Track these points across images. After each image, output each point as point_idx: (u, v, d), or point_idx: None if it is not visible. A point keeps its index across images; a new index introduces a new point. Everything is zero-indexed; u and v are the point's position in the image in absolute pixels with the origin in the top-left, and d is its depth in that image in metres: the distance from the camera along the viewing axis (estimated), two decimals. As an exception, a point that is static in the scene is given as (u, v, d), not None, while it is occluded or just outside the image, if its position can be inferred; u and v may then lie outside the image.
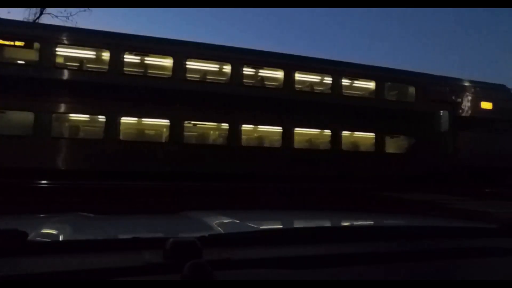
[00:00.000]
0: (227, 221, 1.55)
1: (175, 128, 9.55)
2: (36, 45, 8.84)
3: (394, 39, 75.88)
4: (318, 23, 74.82)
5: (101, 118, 9.20)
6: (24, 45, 8.75)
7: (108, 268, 0.82)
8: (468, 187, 11.39)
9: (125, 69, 9.50)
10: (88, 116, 9.49)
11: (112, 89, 9.03)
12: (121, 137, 9.19)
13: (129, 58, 9.62)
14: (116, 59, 9.26)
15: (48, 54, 8.81)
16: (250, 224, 1.38)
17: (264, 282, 0.78)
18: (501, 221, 1.48)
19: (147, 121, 9.93)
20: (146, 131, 10.21)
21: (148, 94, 9.21)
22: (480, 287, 0.85)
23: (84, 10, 20.87)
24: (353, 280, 0.84)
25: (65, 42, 9.18)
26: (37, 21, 18.56)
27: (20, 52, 8.96)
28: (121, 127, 9.17)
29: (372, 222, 1.84)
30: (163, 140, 9.97)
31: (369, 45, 73.54)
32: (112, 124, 9.05)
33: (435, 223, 1.85)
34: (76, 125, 9.58)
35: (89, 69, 9.66)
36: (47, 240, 1.12)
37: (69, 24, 18.14)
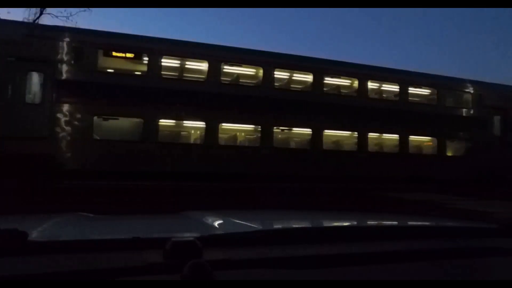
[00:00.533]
0: (227, 221, 1.55)
1: (266, 133, 10.68)
2: (144, 56, 9.88)
3: (394, 39, 75.92)
4: (318, 23, 74.84)
5: (201, 124, 10.14)
6: (134, 56, 9.80)
7: (108, 268, 0.82)
8: (468, 187, 11.46)
9: (222, 78, 10.49)
10: (189, 122, 10.43)
11: (211, 98, 9.95)
12: (220, 142, 10.25)
13: (225, 68, 10.64)
14: (214, 70, 10.24)
15: (154, 65, 9.80)
16: (250, 224, 1.38)
17: (264, 282, 0.78)
18: (501, 221, 1.48)
19: (241, 126, 10.98)
20: (240, 136, 11.28)
21: (241, 102, 10.26)
22: (480, 287, 0.85)
23: (84, 10, 20.88)
24: (353, 280, 0.84)
25: (169, 53, 10.14)
26: (37, 21, 18.56)
27: (130, 63, 9.97)
28: (220, 133, 10.20)
29: (372, 222, 1.84)
30: (257, 144, 10.90)
31: (369, 45, 73.58)
32: (212, 130, 10.03)
33: (435, 223, 1.85)
34: (179, 130, 10.58)
35: (190, 79, 10.62)
36: (47, 240, 1.12)
37: (69, 24, 18.16)
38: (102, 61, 9.59)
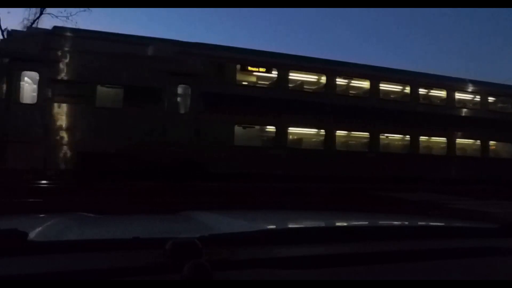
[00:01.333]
0: (227, 221, 1.55)
1: (374, 140, 12.18)
2: (274, 71, 11.31)
3: (393, 39, 75.89)
4: (318, 23, 74.84)
5: (322, 132, 11.78)
6: (265, 71, 11.27)
7: (108, 268, 0.82)
8: (468, 187, 11.50)
9: (336, 90, 12.00)
10: (311, 130, 11.99)
11: (330, 108, 11.43)
12: (337, 147, 11.79)
13: (338, 81, 12.17)
14: (331, 83, 11.86)
15: (282, 78, 11.30)
16: (250, 224, 1.38)
17: (264, 282, 0.78)
18: (501, 221, 1.48)
19: (353, 133, 12.52)
20: (352, 142, 12.71)
21: (352, 112, 11.66)
22: (480, 287, 0.85)
23: (84, 10, 20.96)
24: (353, 280, 0.84)
25: (295, 68, 11.60)
26: (37, 21, 18.57)
27: (262, 77, 11.53)
28: (337, 139, 11.79)
29: (372, 222, 1.84)
30: (366, 150, 12.33)
31: (368, 45, 73.59)
32: (330, 136, 11.64)
33: (435, 223, 1.85)
34: (302, 137, 12.05)
35: (311, 91, 12.15)
36: (47, 240, 1.12)
37: (69, 24, 18.18)
38: (240, 75, 11.05)
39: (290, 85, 11.58)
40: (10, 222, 1.39)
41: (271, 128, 11.20)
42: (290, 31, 78.24)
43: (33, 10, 19.03)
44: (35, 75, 9.35)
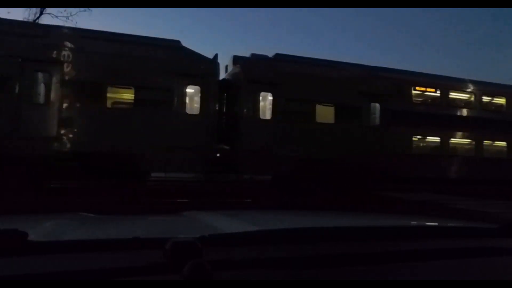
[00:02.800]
0: (227, 221, 1.55)
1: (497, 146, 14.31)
2: (437, 90, 13.47)
3: (393, 38, 75.91)
4: (317, 23, 74.86)
5: (472, 141, 13.81)
6: (433, 91, 13.50)
7: (108, 268, 0.82)
8: (468, 187, 11.53)
9: (482, 106, 14.07)
10: (465, 140, 13.87)
11: (478, 121, 13.53)
12: (484, 155, 13.75)
13: (484, 99, 14.25)
14: (478, 100, 13.92)
15: (444, 96, 13.43)
16: (250, 224, 1.38)
17: (264, 282, 0.78)
18: (501, 221, 1.48)
19: (497, 143, 14.42)
20: (495, 149, 14.47)
21: (494, 124, 13.76)
22: (480, 287, 0.85)
23: (84, 10, 20.95)
24: (353, 280, 0.84)
25: (452, 88, 13.69)
26: (37, 21, 18.56)
27: (430, 96, 13.71)
28: (483, 148, 13.83)
29: (372, 222, 1.84)
30: (503, 156, 14.25)
31: (368, 44, 73.59)
32: (478, 145, 13.72)
33: (435, 223, 1.85)
34: (460, 146, 13.95)
35: (464, 107, 14.01)
36: (47, 240, 1.12)
37: (69, 24, 18.20)
38: (414, 94, 13.13)
39: (450, 102, 13.74)
40: (10, 222, 1.39)
41: (436, 139, 13.37)
42: (289, 31, 78.24)
43: (33, 10, 19.05)
44: (269, 95, 11.19)
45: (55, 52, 9.22)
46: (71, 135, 9.15)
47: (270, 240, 1.07)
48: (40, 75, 9.20)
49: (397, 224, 1.71)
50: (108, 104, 9.67)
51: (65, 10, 20.08)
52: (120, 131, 9.40)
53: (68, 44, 9.36)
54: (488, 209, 7.47)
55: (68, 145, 9.11)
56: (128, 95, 9.90)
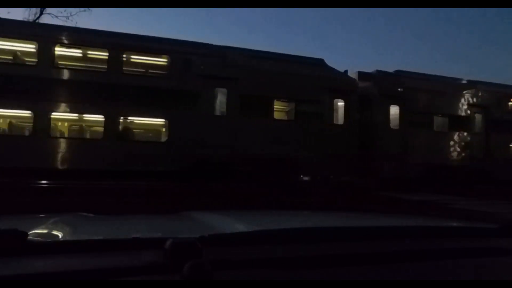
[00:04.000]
0: (227, 221, 1.55)
1: None
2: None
3: (393, 38, 75.95)
4: (318, 23, 74.91)
5: None
6: None
7: (108, 268, 0.82)
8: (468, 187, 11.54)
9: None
10: None
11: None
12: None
13: None
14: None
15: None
16: (250, 224, 1.38)
17: (264, 282, 0.78)
18: (501, 221, 1.48)
19: None
20: None
21: None
22: (480, 287, 0.85)
23: (84, 10, 20.97)
24: (353, 280, 0.84)
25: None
26: (37, 21, 18.56)
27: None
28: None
29: (372, 222, 1.84)
30: None
31: (368, 44, 73.63)
32: None
33: (435, 223, 1.85)
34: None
35: None
36: (47, 240, 1.12)
37: (69, 24, 18.19)
38: (510, 106, 14.30)
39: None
40: (10, 222, 1.39)
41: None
42: (289, 31, 78.32)
43: (33, 10, 19.06)
44: (397, 107, 12.61)
45: (231, 70, 10.55)
46: (244, 143, 10.52)
47: (270, 240, 1.07)
48: (219, 91, 10.63)
49: (397, 224, 1.71)
50: (275, 115, 11.34)
51: (65, 10, 20.12)
52: (283, 139, 10.92)
53: (241, 63, 10.81)
54: (488, 209, 7.47)
55: (244, 151, 10.45)
56: (289, 108, 11.61)
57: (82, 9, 19.80)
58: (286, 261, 0.93)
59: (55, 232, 1.30)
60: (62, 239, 1.18)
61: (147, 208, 5.87)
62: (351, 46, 72.22)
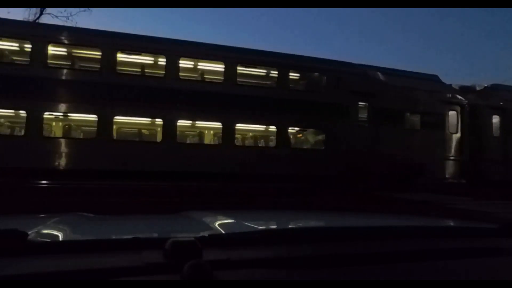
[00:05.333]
0: (227, 221, 1.55)
1: None
2: None
3: (394, 38, 75.96)
4: (319, 22, 74.92)
5: None
6: None
7: (108, 268, 0.82)
8: (468, 187, 11.56)
9: None
10: None
11: None
12: None
13: None
14: None
15: None
16: (250, 224, 1.38)
17: (264, 282, 0.78)
18: (501, 221, 1.48)
19: None
20: None
21: None
22: (480, 287, 0.85)
23: (84, 10, 20.98)
24: (353, 280, 0.84)
25: None
26: (37, 21, 18.57)
27: None
28: None
29: (372, 222, 1.84)
30: None
31: (370, 44, 73.65)
32: None
33: (435, 223, 1.85)
34: None
35: None
36: (47, 240, 1.12)
37: (69, 24, 18.21)
38: None
39: None
40: (10, 222, 1.39)
41: None
42: (290, 31, 78.31)
43: (33, 10, 19.05)
44: (497, 117, 13.97)
45: (370, 86, 12.11)
46: (381, 150, 11.87)
47: (270, 240, 1.07)
48: (362, 104, 12.16)
49: (397, 224, 1.71)
50: (406, 125, 12.63)
51: (65, 10, 20.13)
52: (411, 146, 12.32)
53: (377, 80, 12.38)
54: (488, 209, 7.46)
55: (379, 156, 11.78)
56: (415, 119, 12.84)
57: (82, 9, 19.80)
58: (286, 261, 0.93)
59: (55, 232, 1.30)
60: (62, 239, 1.18)
61: (146, 208, 5.87)
62: (351, 46, 72.28)
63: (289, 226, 1.72)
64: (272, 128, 11.37)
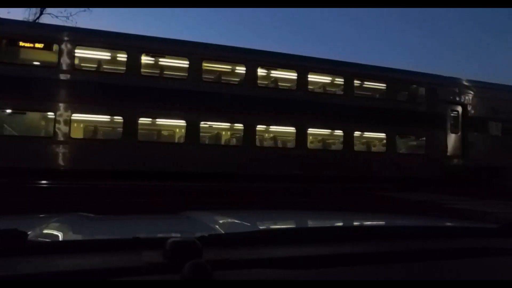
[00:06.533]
0: (227, 221, 1.55)
1: None
2: None
3: (396, 38, 76.02)
4: (320, 22, 74.98)
5: None
6: None
7: (108, 268, 0.82)
8: (468, 187, 11.58)
9: None
10: None
11: None
12: None
13: None
14: None
15: None
16: (250, 224, 1.38)
17: (264, 282, 0.78)
18: (501, 221, 1.49)
19: None
20: None
21: None
22: (480, 287, 0.85)
23: (84, 10, 20.97)
24: (353, 280, 0.84)
25: None
26: (37, 21, 18.57)
27: None
28: None
29: (372, 222, 1.84)
30: None
31: (371, 45, 73.69)
32: None
33: (435, 223, 1.85)
34: None
35: None
36: (47, 240, 1.12)
37: (69, 24, 18.22)
38: None
39: None
40: (10, 222, 1.39)
41: None
42: (292, 29, 78.37)
43: (33, 10, 19.05)
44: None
45: (460, 97, 13.39)
46: (472, 155, 13.09)
47: (270, 240, 1.07)
48: (454, 113, 13.37)
49: (397, 224, 1.71)
50: (491, 132, 13.61)
51: (65, 10, 20.12)
52: (495, 151, 13.35)
53: (466, 91, 13.56)
54: (488, 209, 7.46)
55: (471, 161, 13.08)
56: (498, 126, 13.78)
57: (82, 9, 19.80)
58: (286, 261, 0.93)
59: (55, 232, 1.31)
60: (62, 239, 1.18)
61: (145, 208, 5.87)
62: (351, 45, 72.32)
63: (289, 226, 1.72)
64: (382, 135, 12.75)
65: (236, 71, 11.50)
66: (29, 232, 0.96)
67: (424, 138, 13.02)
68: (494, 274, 0.98)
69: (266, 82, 11.91)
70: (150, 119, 10.43)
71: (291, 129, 11.31)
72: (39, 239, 1.05)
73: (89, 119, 10.22)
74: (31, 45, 9.53)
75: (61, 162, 9.19)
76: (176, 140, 10.99)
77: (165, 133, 11.33)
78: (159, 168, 9.66)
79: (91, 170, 9.12)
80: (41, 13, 19.25)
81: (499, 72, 58.51)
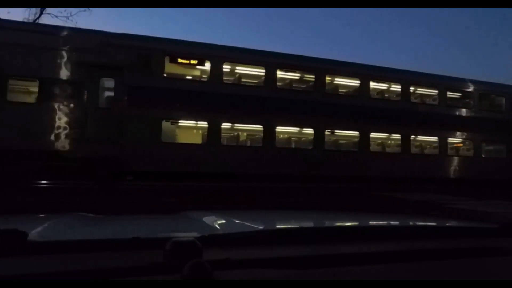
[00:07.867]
0: (227, 221, 1.55)
1: None
2: None
3: (397, 38, 75.99)
4: (322, 22, 74.97)
5: None
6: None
7: (108, 268, 0.82)
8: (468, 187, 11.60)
9: None
10: None
11: None
12: None
13: None
14: None
15: None
16: (250, 224, 1.38)
17: (264, 282, 0.78)
18: (501, 221, 1.49)
19: None
20: None
21: None
22: (480, 287, 0.84)
23: (84, 10, 21.02)
24: (353, 280, 0.83)
25: None
26: (37, 21, 18.57)
27: None
28: None
29: (372, 222, 1.84)
30: None
31: (372, 45, 73.68)
32: None
33: (435, 223, 1.85)
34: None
35: None
36: (47, 240, 1.12)
37: (69, 24, 18.23)
38: None
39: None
40: (10, 222, 1.39)
41: None
42: (292, 29, 78.37)
43: (33, 10, 19.05)
44: None
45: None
46: None
47: (270, 240, 1.07)
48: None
49: (397, 224, 1.71)
50: None
51: (65, 10, 20.14)
52: None
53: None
54: (488, 209, 7.45)
55: None
56: None
57: (82, 9, 19.82)
58: (286, 261, 0.93)
59: (55, 232, 1.30)
60: (62, 239, 1.18)
61: (145, 208, 5.87)
62: (351, 45, 72.35)
63: (289, 226, 1.72)
64: (469, 141, 14.17)
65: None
66: (29, 232, 0.96)
67: (505, 144, 14.49)
68: (494, 274, 0.98)
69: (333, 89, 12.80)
70: (283, 128, 11.66)
71: (355, 133, 12.46)
72: (39, 239, 1.05)
73: (239, 127, 11.43)
74: (187, 61, 10.70)
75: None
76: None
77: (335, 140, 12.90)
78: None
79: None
80: (41, 13, 19.28)
81: (499, 72, 58.48)
